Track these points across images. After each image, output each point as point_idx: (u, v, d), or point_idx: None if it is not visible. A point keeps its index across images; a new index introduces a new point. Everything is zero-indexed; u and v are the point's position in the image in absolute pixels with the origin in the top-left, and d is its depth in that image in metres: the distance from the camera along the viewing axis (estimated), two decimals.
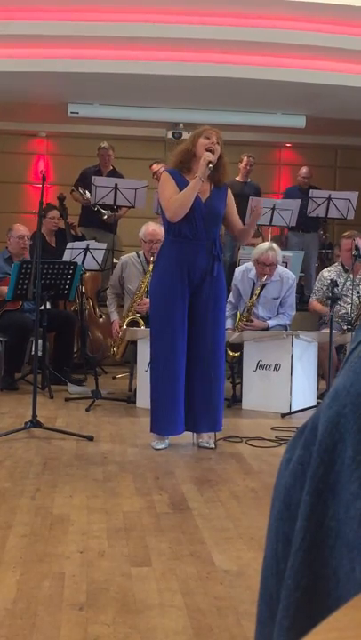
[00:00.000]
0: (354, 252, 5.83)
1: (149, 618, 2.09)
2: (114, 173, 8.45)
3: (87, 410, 5.30)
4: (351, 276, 6.03)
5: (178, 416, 4.22)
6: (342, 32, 7.59)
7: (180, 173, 4.22)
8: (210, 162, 4.09)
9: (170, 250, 4.24)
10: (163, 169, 4.38)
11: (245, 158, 8.76)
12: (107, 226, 8.27)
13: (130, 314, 5.99)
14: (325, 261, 8.84)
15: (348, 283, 6.05)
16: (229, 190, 4.40)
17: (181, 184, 4.17)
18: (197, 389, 4.24)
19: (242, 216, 8.32)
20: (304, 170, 9.04)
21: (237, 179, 8.69)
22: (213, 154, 4.13)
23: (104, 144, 8.47)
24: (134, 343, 5.74)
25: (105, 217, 8.22)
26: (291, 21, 7.50)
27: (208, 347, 4.20)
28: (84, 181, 8.39)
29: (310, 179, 8.99)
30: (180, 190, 4.15)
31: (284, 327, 5.83)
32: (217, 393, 4.27)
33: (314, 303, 6.39)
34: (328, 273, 6.33)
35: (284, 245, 8.62)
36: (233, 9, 7.45)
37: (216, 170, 4.20)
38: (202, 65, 7.64)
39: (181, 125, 9.29)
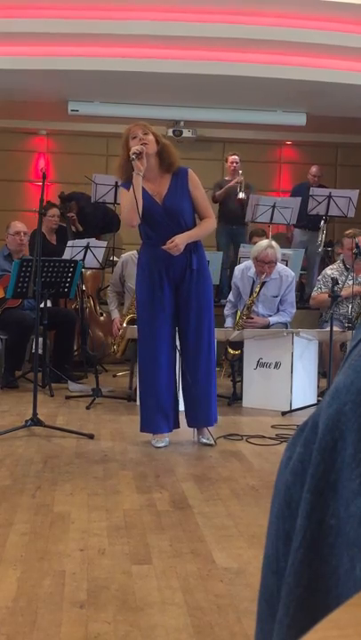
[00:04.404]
0: (355, 251, 5.84)
1: (150, 615, 2.09)
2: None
3: (87, 408, 5.31)
4: (353, 274, 6.04)
5: (162, 415, 4.23)
6: (343, 30, 7.58)
7: (131, 180, 4.07)
8: (135, 153, 3.97)
9: (144, 252, 4.24)
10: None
11: (230, 157, 8.73)
12: None
13: (130, 312, 5.99)
14: (326, 259, 8.84)
15: (350, 281, 6.05)
16: (191, 173, 4.24)
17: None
18: (188, 385, 4.25)
19: (233, 212, 8.40)
20: (314, 169, 9.04)
21: (226, 178, 8.68)
22: (147, 144, 4.04)
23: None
24: (135, 341, 5.73)
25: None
26: (291, 19, 7.50)
27: (195, 342, 4.22)
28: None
29: (321, 177, 9.00)
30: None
31: (285, 325, 5.83)
32: (208, 388, 4.28)
33: (315, 295, 6.37)
34: (331, 271, 6.34)
35: (290, 243, 8.66)
36: (233, 6, 7.44)
37: (160, 157, 4.13)
38: (202, 62, 7.63)
39: (182, 123, 9.28)
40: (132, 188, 4.00)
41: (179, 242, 4.09)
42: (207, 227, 4.29)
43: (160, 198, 4.16)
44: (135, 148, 4.01)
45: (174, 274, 4.18)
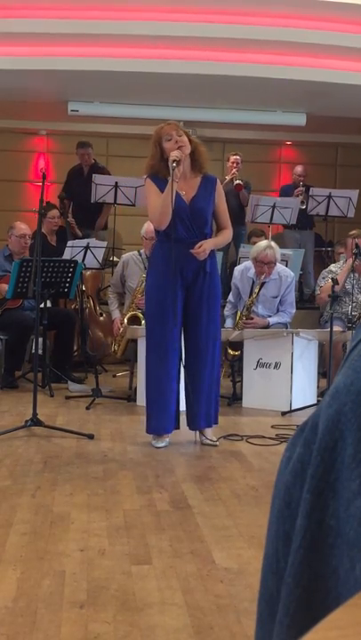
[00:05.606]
0: (354, 251, 5.84)
1: (150, 616, 2.09)
2: (96, 167, 8.51)
3: (87, 408, 5.31)
4: (354, 274, 6.04)
5: (168, 415, 4.22)
6: (343, 30, 7.58)
7: (161, 177, 4.14)
8: (175, 160, 4.00)
9: (161, 251, 4.22)
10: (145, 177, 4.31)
11: (231, 157, 8.71)
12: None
13: (130, 310, 6.00)
14: (326, 259, 8.83)
15: (352, 281, 6.06)
16: (219, 184, 4.33)
17: (163, 187, 4.10)
18: (194, 387, 4.24)
19: (231, 211, 8.35)
20: (299, 168, 9.04)
21: (226, 177, 8.66)
22: (183, 147, 4.07)
23: (82, 145, 8.59)
24: (135, 341, 5.74)
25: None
26: (291, 19, 7.50)
27: (204, 343, 4.22)
28: (70, 184, 8.53)
29: (306, 177, 8.99)
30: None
31: (285, 325, 5.83)
32: (212, 388, 4.29)
33: (323, 285, 6.30)
34: (335, 268, 6.38)
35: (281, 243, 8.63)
36: (233, 6, 7.44)
37: (192, 158, 4.16)
38: (202, 62, 7.63)
39: (182, 123, 9.20)
40: (167, 191, 4.01)
41: (207, 247, 4.15)
42: (227, 237, 4.40)
43: (188, 198, 4.18)
44: (175, 154, 4.02)
45: (188, 275, 4.18)
